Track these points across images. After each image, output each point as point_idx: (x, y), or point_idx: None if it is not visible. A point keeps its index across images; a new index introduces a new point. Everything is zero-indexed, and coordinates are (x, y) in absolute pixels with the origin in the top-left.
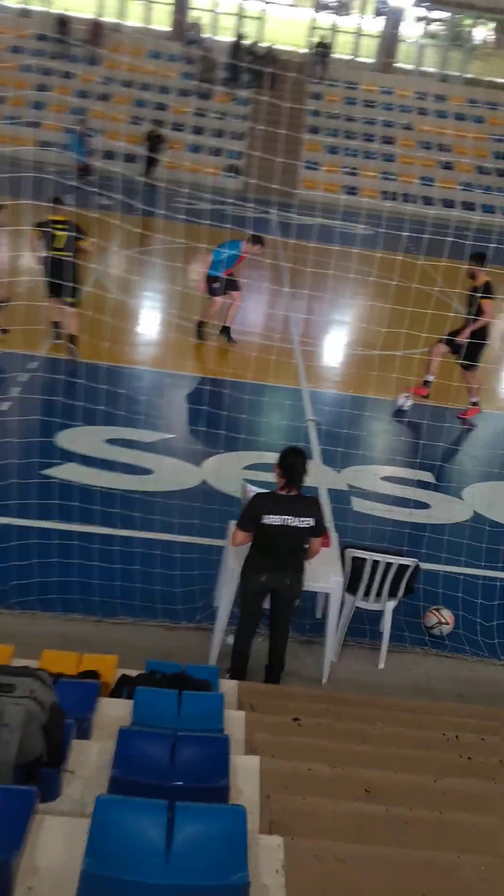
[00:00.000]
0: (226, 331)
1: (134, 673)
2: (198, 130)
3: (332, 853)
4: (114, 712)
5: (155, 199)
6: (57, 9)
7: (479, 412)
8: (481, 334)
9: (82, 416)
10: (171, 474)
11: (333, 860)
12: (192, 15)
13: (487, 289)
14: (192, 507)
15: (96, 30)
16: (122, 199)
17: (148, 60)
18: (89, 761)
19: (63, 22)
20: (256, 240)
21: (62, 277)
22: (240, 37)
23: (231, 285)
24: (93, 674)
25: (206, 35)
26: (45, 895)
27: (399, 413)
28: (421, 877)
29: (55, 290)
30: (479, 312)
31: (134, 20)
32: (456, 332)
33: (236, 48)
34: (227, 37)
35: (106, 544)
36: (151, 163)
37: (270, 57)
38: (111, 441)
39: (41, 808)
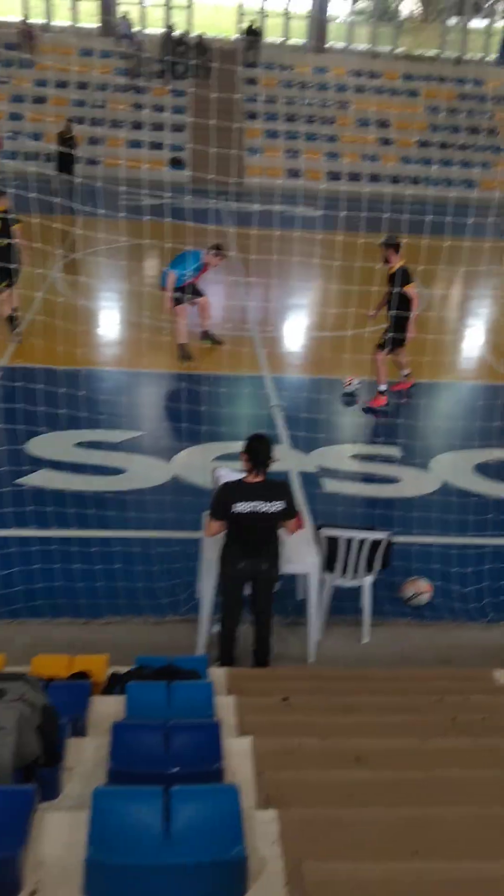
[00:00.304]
0: (206, 335)
1: (124, 669)
2: (136, 125)
3: (324, 819)
4: (107, 709)
5: (95, 197)
6: None
7: (414, 384)
8: (406, 314)
9: (49, 421)
10: (143, 472)
11: (326, 825)
12: (120, 9)
13: (407, 274)
14: (166, 503)
15: (26, 32)
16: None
17: (80, 59)
18: (86, 758)
19: None
20: (217, 248)
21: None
22: (169, 28)
23: (195, 293)
24: (84, 675)
25: (135, 29)
26: (53, 886)
27: (349, 397)
28: (411, 832)
29: None
30: (409, 301)
31: (62, 19)
32: (391, 329)
33: (167, 40)
34: (156, 29)
35: (85, 546)
36: (70, 162)
37: (202, 46)
38: (80, 444)
39: (43, 807)
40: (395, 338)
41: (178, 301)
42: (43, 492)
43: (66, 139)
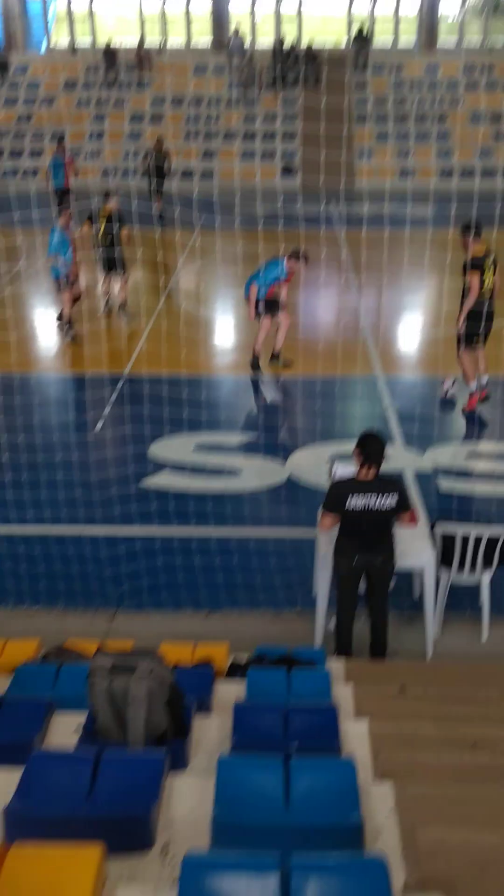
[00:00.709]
0: (276, 357)
1: (244, 657)
2: (249, 136)
3: (439, 795)
4: (229, 692)
5: (211, 209)
6: (102, 39)
7: (486, 398)
8: (477, 311)
9: (170, 426)
10: (259, 473)
11: (441, 800)
12: (231, 24)
13: (474, 263)
14: (281, 501)
15: (142, 54)
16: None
17: (194, 76)
18: (211, 734)
19: (110, 52)
20: (296, 254)
21: (110, 256)
22: (280, 39)
23: (276, 307)
24: (206, 662)
25: (246, 42)
26: (183, 842)
27: (446, 401)
28: None
29: (106, 267)
30: (467, 290)
31: (176, 36)
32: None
33: (278, 51)
34: (267, 40)
35: (205, 544)
36: (160, 176)
37: (311, 54)
38: (199, 447)
39: (171, 776)
40: (468, 333)
41: (262, 312)
42: (165, 492)
43: (159, 154)
